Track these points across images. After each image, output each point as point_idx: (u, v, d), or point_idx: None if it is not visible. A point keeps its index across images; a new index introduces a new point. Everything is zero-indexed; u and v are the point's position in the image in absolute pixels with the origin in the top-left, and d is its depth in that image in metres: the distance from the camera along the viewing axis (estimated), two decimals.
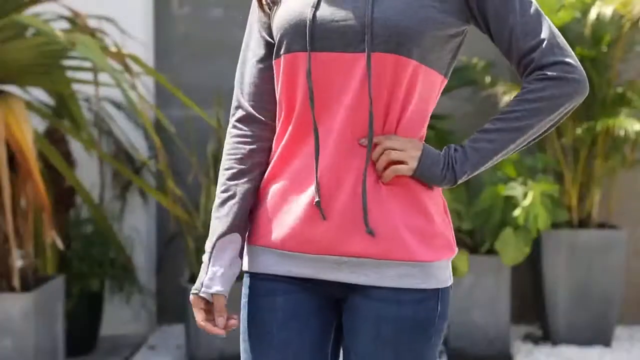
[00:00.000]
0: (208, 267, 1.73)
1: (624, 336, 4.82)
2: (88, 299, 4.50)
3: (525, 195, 4.32)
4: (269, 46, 1.76)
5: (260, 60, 1.77)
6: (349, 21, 1.64)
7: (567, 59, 1.67)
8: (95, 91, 3.93)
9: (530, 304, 4.95)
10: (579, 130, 4.55)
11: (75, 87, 4.29)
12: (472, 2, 1.67)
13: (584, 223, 4.72)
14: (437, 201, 1.72)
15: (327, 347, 1.77)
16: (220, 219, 1.74)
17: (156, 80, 4.30)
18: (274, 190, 1.72)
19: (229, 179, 1.75)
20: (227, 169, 1.76)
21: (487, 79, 4.66)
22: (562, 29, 4.57)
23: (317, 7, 1.67)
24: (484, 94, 4.80)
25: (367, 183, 1.66)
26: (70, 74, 4.16)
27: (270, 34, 1.75)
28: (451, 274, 1.74)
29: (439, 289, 1.70)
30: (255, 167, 1.75)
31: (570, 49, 1.69)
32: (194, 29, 5.04)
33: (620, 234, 4.62)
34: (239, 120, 1.78)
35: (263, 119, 1.76)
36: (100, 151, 4.18)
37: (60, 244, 3.85)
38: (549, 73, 1.66)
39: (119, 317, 4.80)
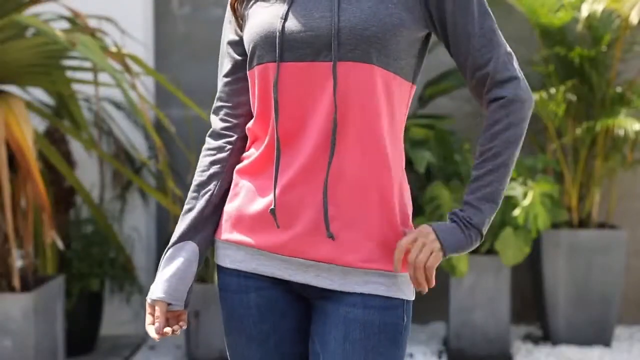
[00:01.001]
0: (156, 274, 1.81)
1: (624, 336, 4.82)
2: (88, 299, 4.51)
3: (525, 195, 4.32)
4: (234, 62, 1.81)
5: (226, 75, 1.83)
6: (316, 31, 1.67)
7: (518, 74, 1.71)
8: (95, 91, 3.93)
9: (530, 304, 4.96)
10: (578, 130, 4.55)
11: (75, 87, 4.29)
12: (432, 8, 1.70)
13: (584, 223, 4.72)
14: (407, 223, 1.75)
15: (306, 339, 1.80)
16: (177, 230, 1.82)
17: (156, 80, 4.30)
18: (246, 188, 1.77)
19: (192, 191, 1.83)
20: (193, 182, 1.84)
21: None
22: (562, 29, 4.58)
23: (285, 18, 1.69)
24: None
25: (328, 190, 1.69)
26: (70, 74, 4.16)
27: (237, 51, 1.81)
28: (414, 290, 1.77)
29: (404, 300, 1.73)
30: (213, 178, 1.82)
31: (515, 59, 1.73)
32: (194, 29, 5.04)
33: (620, 234, 4.62)
34: (208, 135, 1.86)
35: (226, 132, 1.83)
36: (100, 151, 4.18)
37: (60, 244, 3.85)
38: (506, 95, 1.69)
39: (119, 317, 4.80)
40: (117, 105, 4.68)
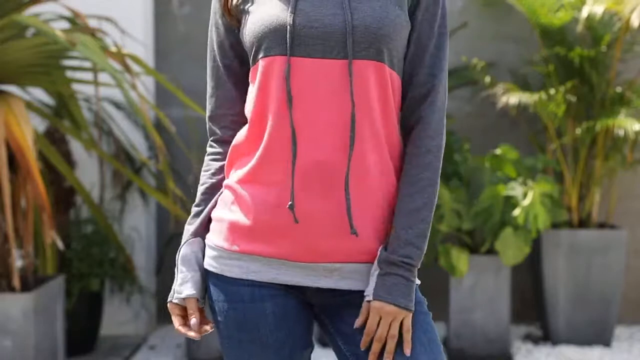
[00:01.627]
0: (178, 274, 1.81)
1: (624, 336, 4.83)
2: (88, 299, 4.51)
3: (525, 195, 4.32)
4: (230, 67, 1.82)
5: (227, 82, 1.83)
6: (329, 28, 1.68)
7: (443, 105, 1.76)
8: (95, 91, 3.93)
9: (530, 304, 4.96)
10: (578, 130, 4.55)
11: (75, 87, 4.29)
12: (412, 10, 1.73)
13: (584, 223, 4.72)
14: None
15: (312, 343, 1.84)
16: (189, 230, 1.83)
17: (156, 80, 4.30)
18: (253, 198, 1.74)
19: (202, 193, 1.85)
20: (202, 184, 1.86)
21: (487, 79, 4.66)
22: (562, 29, 4.58)
23: (295, 12, 1.69)
24: (484, 94, 4.80)
25: (349, 186, 1.69)
26: (70, 74, 4.17)
27: (230, 55, 1.81)
28: None
29: (417, 284, 1.78)
30: (223, 181, 1.83)
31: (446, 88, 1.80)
32: (194, 29, 5.04)
33: (620, 234, 4.63)
34: (213, 140, 1.87)
35: (231, 139, 1.82)
36: (100, 151, 4.18)
37: (60, 244, 3.85)
38: (432, 122, 1.73)
39: (119, 317, 4.80)
40: (117, 105, 4.68)
